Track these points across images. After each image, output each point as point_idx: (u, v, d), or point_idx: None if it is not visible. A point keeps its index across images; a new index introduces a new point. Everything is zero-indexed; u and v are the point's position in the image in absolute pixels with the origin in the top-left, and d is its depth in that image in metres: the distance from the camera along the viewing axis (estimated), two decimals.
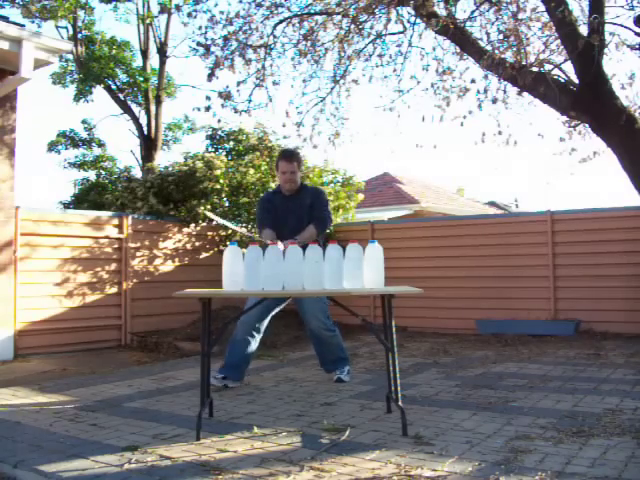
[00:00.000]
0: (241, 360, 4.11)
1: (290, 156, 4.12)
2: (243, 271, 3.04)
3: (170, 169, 8.22)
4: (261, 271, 3.02)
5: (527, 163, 54.71)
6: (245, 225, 7.88)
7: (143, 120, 15.19)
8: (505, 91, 6.16)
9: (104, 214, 6.86)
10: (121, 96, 15.27)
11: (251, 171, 7.79)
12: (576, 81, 5.65)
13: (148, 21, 14.53)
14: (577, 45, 5.23)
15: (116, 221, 6.85)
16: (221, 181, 7.61)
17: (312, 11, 6.37)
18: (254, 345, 4.14)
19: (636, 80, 5.85)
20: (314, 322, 4.11)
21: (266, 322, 4.16)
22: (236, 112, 6.35)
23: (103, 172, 14.03)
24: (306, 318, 4.15)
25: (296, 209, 4.13)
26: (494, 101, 6.11)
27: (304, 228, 4.02)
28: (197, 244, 7.72)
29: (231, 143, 9.02)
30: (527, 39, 5.86)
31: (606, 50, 5.57)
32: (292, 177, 4.10)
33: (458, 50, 6.20)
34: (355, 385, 4.12)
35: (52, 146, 15.97)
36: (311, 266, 3.00)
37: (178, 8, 6.68)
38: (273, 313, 4.15)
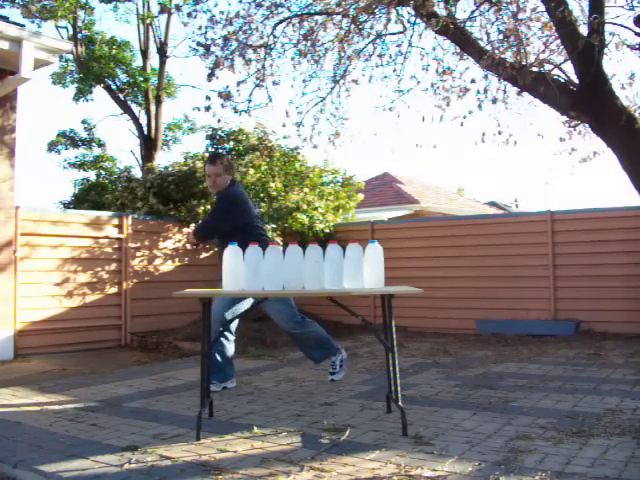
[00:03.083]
0: (222, 362, 4.04)
1: (213, 159, 4.11)
2: (243, 271, 3.04)
3: (170, 169, 8.22)
4: (261, 271, 3.02)
5: (527, 163, 54.78)
6: None
7: (143, 120, 15.19)
8: (505, 91, 6.16)
9: (104, 214, 6.86)
10: (121, 96, 15.26)
11: (251, 171, 7.79)
12: (576, 81, 5.65)
13: (148, 21, 14.53)
14: (577, 45, 5.23)
15: (116, 221, 6.85)
16: None
17: (312, 11, 6.37)
18: (229, 346, 4.07)
19: (636, 80, 5.85)
20: (282, 325, 4.06)
21: (236, 322, 4.07)
22: (236, 112, 6.35)
23: (103, 172, 14.00)
24: (276, 322, 4.10)
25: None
26: (494, 101, 6.11)
27: None
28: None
29: (231, 143, 9.00)
30: (527, 39, 5.86)
31: (606, 50, 5.57)
32: (214, 180, 4.06)
33: (458, 50, 6.20)
34: (355, 385, 4.12)
35: (52, 146, 15.97)
36: (311, 266, 3.01)
37: (178, 8, 6.68)
38: (241, 311, 4.03)
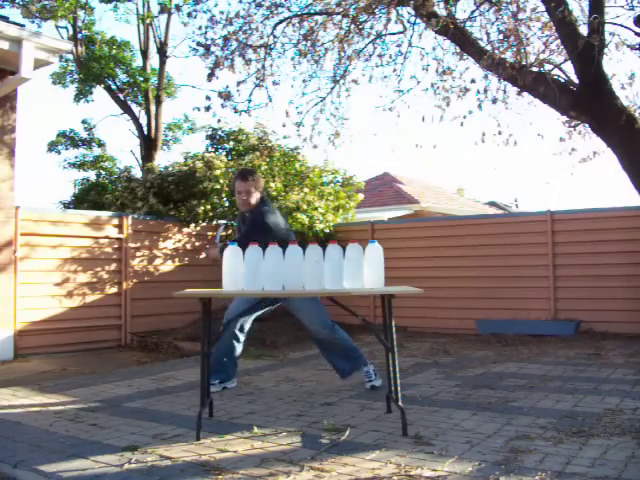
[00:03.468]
0: (227, 362, 4.05)
1: (244, 175, 3.96)
2: (243, 271, 3.04)
3: (170, 169, 8.21)
4: (261, 271, 3.02)
5: (527, 163, 54.81)
6: None
7: (143, 120, 15.19)
8: (505, 91, 6.16)
9: (104, 214, 6.86)
10: (121, 96, 15.27)
11: None
12: (576, 81, 5.65)
13: (148, 21, 14.54)
14: (577, 45, 5.23)
15: (116, 221, 6.85)
16: (221, 181, 7.61)
17: (312, 11, 6.37)
18: (238, 346, 4.08)
19: (636, 80, 5.85)
20: (311, 328, 3.97)
21: (249, 323, 4.10)
22: (236, 112, 6.34)
23: (103, 172, 14.01)
24: (304, 325, 4.03)
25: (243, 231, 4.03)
26: (494, 101, 6.10)
27: None
28: (197, 244, 7.72)
29: (231, 143, 9.01)
30: (527, 39, 5.85)
31: (606, 50, 5.57)
32: (245, 197, 3.91)
33: (458, 50, 6.20)
34: (355, 385, 4.12)
35: (52, 146, 15.98)
36: (311, 266, 3.00)
37: (178, 8, 6.67)
38: (258, 314, 4.06)
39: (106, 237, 6.75)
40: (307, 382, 4.32)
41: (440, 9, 6.00)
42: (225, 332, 3.94)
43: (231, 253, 3.08)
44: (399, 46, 6.54)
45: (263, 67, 6.33)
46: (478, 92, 6.11)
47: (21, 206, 5.98)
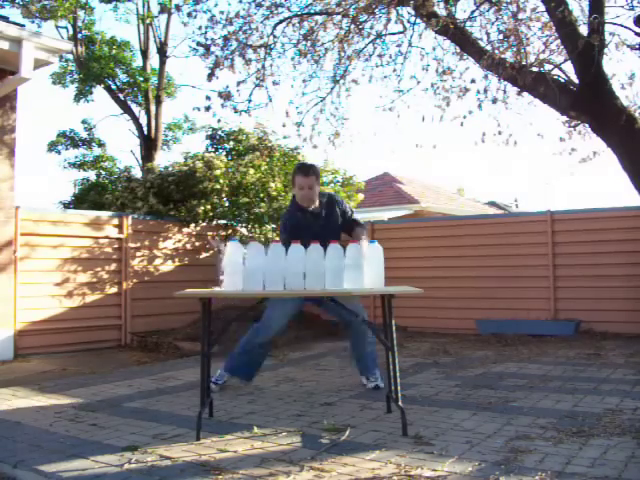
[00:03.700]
0: (257, 361, 4.04)
1: (307, 170, 3.80)
2: (243, 270, 3.04)
3: (170, 169, 8.22)
4: (262, 270, 3.01)
5: (527, 163, 54.81)
6: (245, 225, 7.88)
7: (143, 120, 15.19)
8: (505, 91, 6.16)
9: (104, 214, 6.86)
10: (121, 96, 15.27)
11: (251, 171, 7.79)
12: (576, 81, 5.65)
13: (148, 21, 14.54)
14: (577, 45, 5.23)
15: (116, 221, 6.85)
16: (221, 181, 7.61)
17: (312, 11, 6.37)
18: (269, 347, 4.13)
19: (636, 80, 5.86)
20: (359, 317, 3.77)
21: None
22: (236, 112, 6.34)
23: (103, 172, 14.02)
24: (348, 315, 3.75)
25: (333, 224, 3.87)
26: (494, 101, 6.10)
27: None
28: (197, 244, 7.72)
29: (231, 143, 9.02)
30: (527, 39, 5.85)
31: (606, 50, 5.57)
32: (310, 192, 3.79)
33: (458, 50, 6.20)
34: (355, 385, 4.12)
35: (52, 146, 15.98)
36: (311, 266, 3.00)
37: (178, 8, 6.67)
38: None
39: (106, 237, 6.75)
40: (307, 382, 4.32)
41: (440, 9, 6.00)
42: (264, 338, 3.93)
43: (232, 250, 3.07)
44: (399, 46, 6.55)
45: (263, 67, 6.33)
46: (478, 92, 6.12)
47: (21, 206, 5.98)
